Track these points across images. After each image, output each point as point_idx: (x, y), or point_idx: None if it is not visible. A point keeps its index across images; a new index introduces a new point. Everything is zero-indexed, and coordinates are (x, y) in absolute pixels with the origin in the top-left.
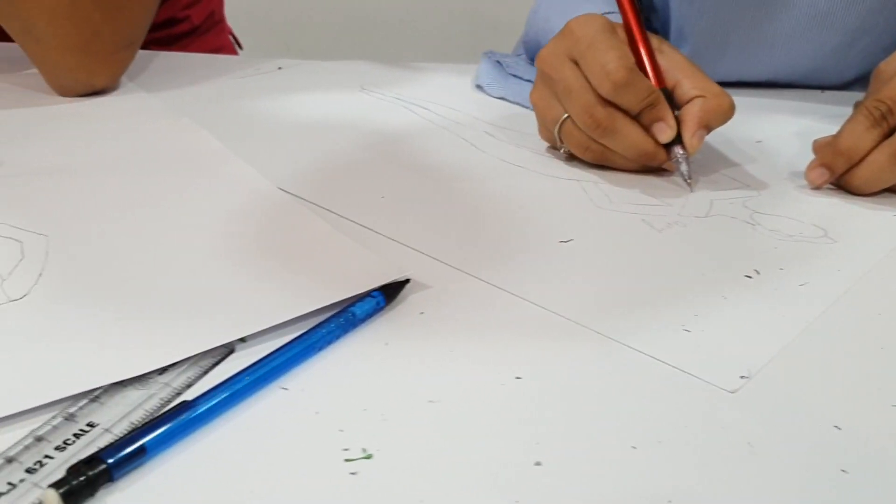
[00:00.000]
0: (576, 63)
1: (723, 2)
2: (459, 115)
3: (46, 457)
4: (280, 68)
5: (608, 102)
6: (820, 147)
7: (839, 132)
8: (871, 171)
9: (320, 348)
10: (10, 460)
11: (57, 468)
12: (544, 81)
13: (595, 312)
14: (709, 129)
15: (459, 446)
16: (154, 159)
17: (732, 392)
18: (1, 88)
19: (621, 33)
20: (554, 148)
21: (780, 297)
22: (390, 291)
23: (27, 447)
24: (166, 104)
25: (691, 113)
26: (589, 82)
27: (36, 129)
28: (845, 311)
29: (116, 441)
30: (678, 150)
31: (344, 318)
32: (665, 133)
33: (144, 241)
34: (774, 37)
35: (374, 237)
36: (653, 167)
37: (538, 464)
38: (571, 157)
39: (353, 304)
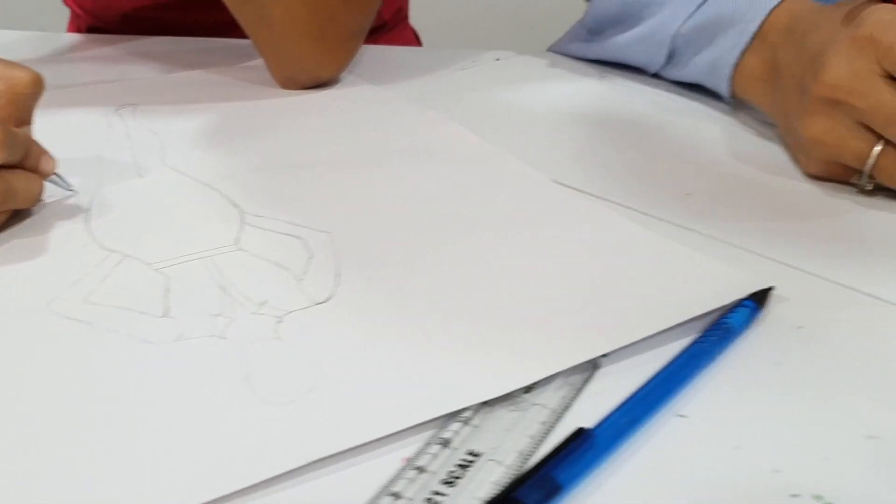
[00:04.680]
0: (891, 79)
1: None
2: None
3: (437, 493)
4: (498, 59)
5: None
6: None
7: None
8: None
9: (703, 367)
10: (396, 496)
11: None
12: (834, 111)
13: None
14: None
15: None
16: (414, 152)
17: None
18: (221, 82)
19: None
20: (834, 181)
21: None
22: (757, 301)
23: (411, 480)
24: (400, 97)
25: None
26: None
27: (275, 121)
28: None
29: (526, 476)
30: None
31: (721, 330)
32: None
33: (441, 242)
34: None
35: (689, 236)
36: None
37: None
38: (872, 191)
39: (724, 316)
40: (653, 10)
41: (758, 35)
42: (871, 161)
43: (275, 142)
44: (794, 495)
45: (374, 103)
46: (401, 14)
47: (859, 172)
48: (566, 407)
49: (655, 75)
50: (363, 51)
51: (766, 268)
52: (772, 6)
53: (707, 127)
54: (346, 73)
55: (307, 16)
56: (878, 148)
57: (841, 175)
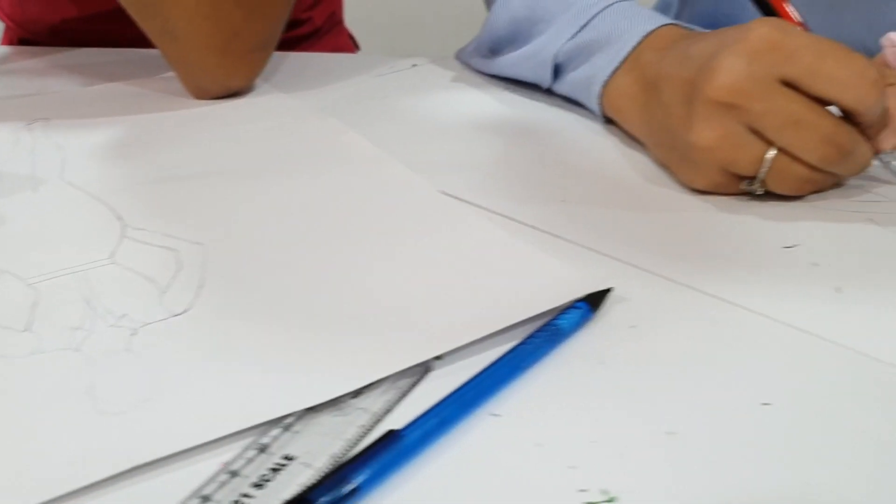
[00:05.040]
0: (787, 84)
1: None
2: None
3: (245, 496)
4: (415, 65)
5: (842, 120)
6: None
7: None
8: None
9: (525, 368)
10: (206, 499)
11: None
12: (728, 115)
13: (851, 329)
14: None
15: (704, 486)
16: (305, 162)
17: None
18: (137, 94)
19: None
20: (718, 193)
21: None
22: (593, 302)
23: (222, 484)
24: (307, 105)
25: (894, 105)
26: (817, 104)
27: (178, 132)
28: None
29: (324, 479)
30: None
31: (549, 331)
32: (892, 139)
33: (309, 251)
34: None
35: (557, 242)
36: None
37: None
38: (763, 196)
39: (556, 317)
40: (540, 29)
41: (632, 55)
42: (765, 166)
43: (174, 153)
44: (582, 490)
45: (280, 112)
46: (334, 18)
47: (748, 179)
48: (388, 410)
49: (550, 91)
50: (283, 58)
51: (618, 270)
52: (649, 29)
53: (594, 139)
54: (261, 81)
55: (211, 29)
56: (771, 153)
57: (727, 185)
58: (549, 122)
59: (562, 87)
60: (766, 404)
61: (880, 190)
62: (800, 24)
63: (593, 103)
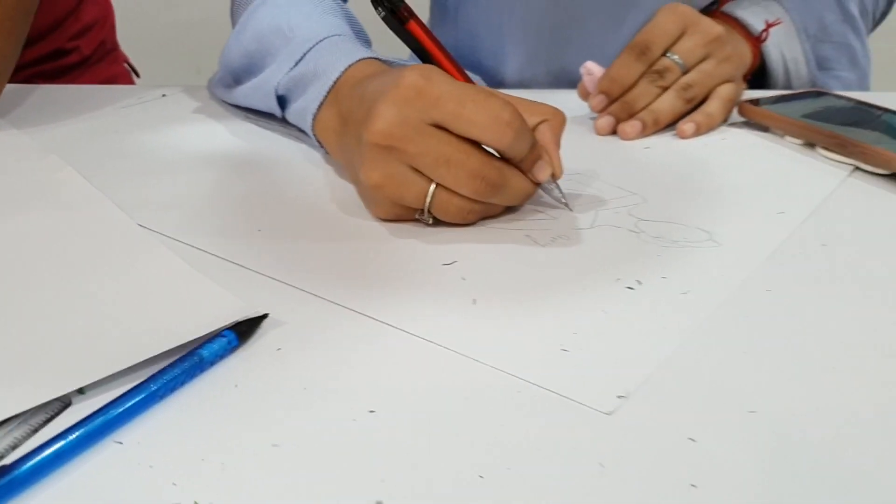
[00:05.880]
0: (438, 127)
1: None
2: None
3: None
4: (164, 95)
5: (492, 157)
6: (599, 80)
7: (611, 65)
8: (638, 94)
9: (162, 396)
10: None
11: None
12: (389, 156)
13: (469, 336)
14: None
15: (299, 492)
16: (10, 200)
17: (608, 413)
18: None
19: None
20: (403, 220)
21: (659, 309)
22: (245, 329)
23: None
24: (36, 141)
25: (547, 140)
26: (466, 143)
27: None
28: (723, 319)
29: None
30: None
31: (190, 361)
32: (546, 171)
33: None
34: None
35: (242, 272)
36: None
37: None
38: (437, 223)
39: (200, 346)
40: (267, 62)
41: (333, 90)
42: (428, 200)
43: None
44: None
45: (2, 149)
46: (105, 47)
47: (421, 210)
48: (14, 447)
49: (286, 121)
50: (30, 91)
51: (282, 295)
52: (347, 65)
53: (310, 170)
54: None
55: None
56: (432, 187)
57: (406, 215)
58: (273, 153)
59: (289, 117)
60: (371, 412)
61: (551, 211)
62: (455, 69)
63: (310, 134)
